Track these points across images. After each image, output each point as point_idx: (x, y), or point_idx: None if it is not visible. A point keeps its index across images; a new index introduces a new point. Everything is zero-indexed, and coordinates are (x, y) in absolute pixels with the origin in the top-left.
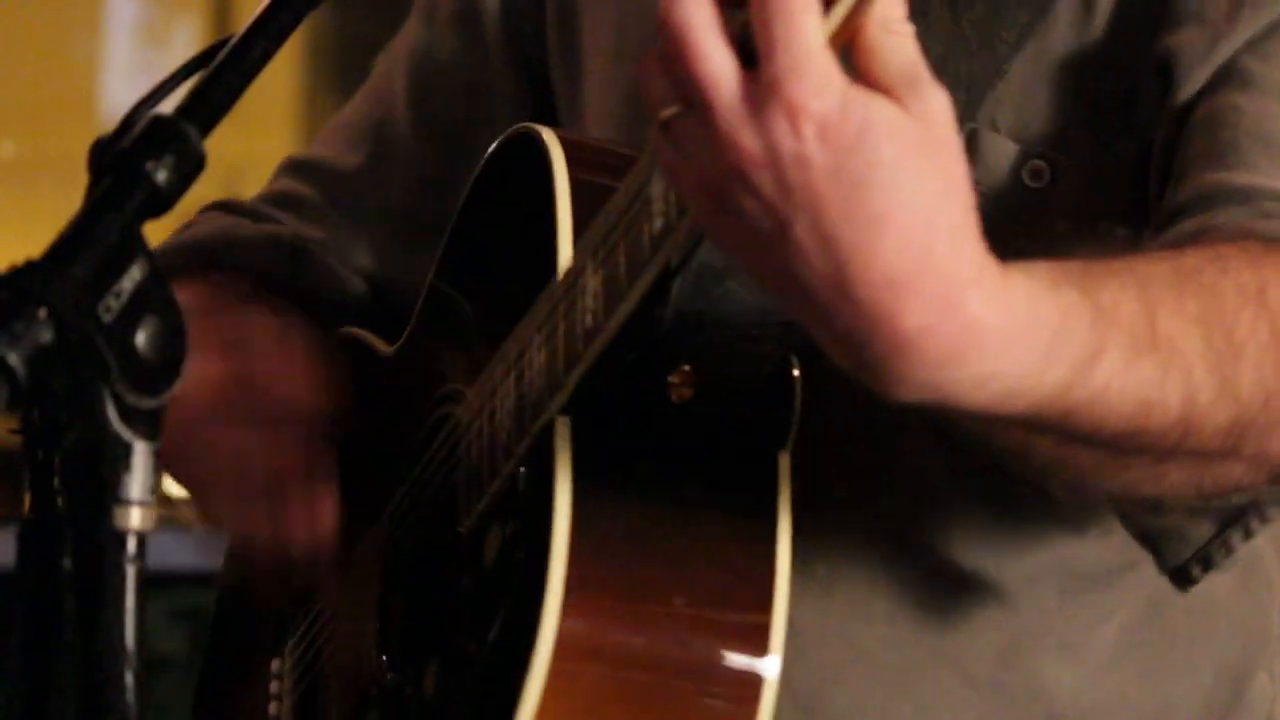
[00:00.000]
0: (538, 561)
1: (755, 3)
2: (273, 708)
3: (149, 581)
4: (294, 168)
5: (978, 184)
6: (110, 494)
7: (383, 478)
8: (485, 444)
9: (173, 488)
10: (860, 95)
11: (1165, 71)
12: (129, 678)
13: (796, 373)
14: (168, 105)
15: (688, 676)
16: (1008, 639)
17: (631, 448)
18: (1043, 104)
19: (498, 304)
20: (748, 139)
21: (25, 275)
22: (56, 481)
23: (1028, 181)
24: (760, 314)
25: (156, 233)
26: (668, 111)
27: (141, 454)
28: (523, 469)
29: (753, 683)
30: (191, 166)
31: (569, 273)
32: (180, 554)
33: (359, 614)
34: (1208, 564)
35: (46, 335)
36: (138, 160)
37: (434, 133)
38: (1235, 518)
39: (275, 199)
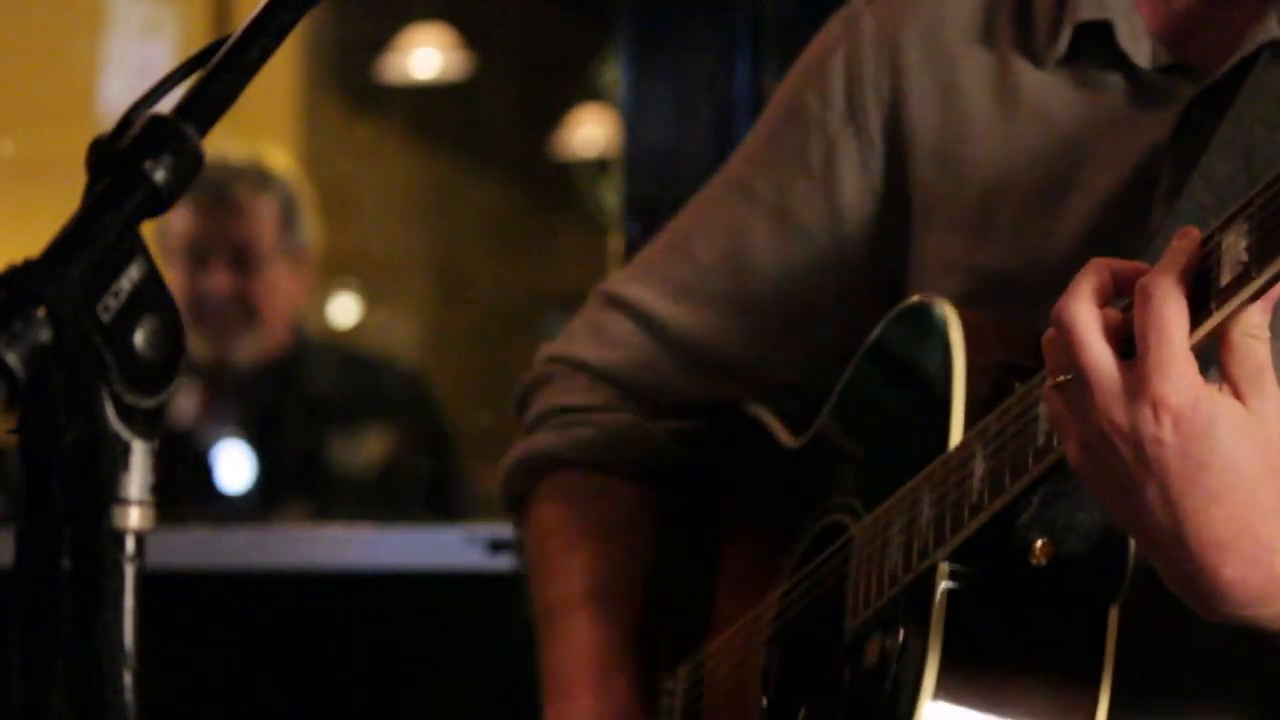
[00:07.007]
0: (912, 675)
1: (1137, 312)
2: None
3: (149, 581)
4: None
5: None
6: (109, 494)
7: (776, 555)
8: (876, 567)
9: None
10: (1210, 395)
11: None
12: (128, 678)
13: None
14: (166, 104)
15: None
16: None
17: (994, 593)
18: None
19: (890, 444)
20: (1118, 416)
21: (24, 275)
22: (55, 481)
23: None
24: None
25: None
26: (1060, 378)
27: (140, 453)
28: (904, 596)
29: None
30: (190, 166)
31: (962, 450)
32: (180, 554)
33: (745, 672)
34: None
35: (45, 334)
36: (136, 160)
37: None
38: None
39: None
